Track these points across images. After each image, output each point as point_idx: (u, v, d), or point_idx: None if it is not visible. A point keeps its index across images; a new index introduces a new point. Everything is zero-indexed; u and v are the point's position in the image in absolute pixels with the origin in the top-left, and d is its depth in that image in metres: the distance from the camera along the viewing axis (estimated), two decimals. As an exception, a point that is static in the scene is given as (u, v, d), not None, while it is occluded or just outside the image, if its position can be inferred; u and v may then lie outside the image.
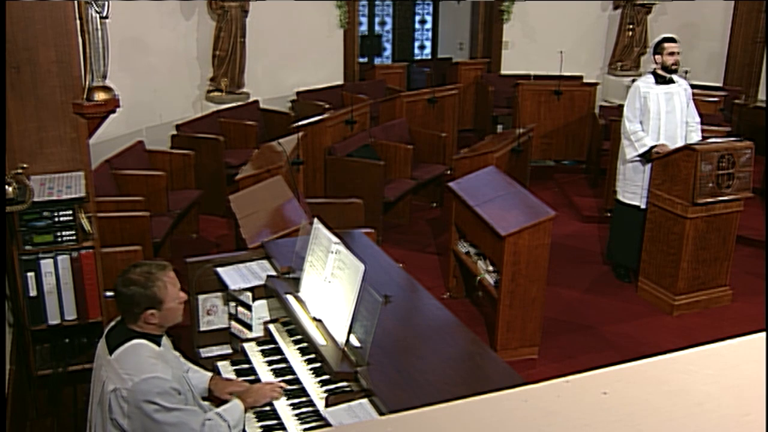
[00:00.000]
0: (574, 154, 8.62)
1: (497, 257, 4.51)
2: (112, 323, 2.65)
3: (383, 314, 2.53)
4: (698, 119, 5.56)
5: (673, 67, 5.43)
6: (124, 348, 2.50)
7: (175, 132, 7.24)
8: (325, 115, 6.95)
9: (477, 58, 10.85)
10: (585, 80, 9.40)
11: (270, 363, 2.99)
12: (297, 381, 2.77)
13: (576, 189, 7.98)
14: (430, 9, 12.92)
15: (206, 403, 2.85)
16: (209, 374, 2.98)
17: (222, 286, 3.26)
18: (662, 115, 5.40)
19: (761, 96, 9.63)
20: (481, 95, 9.77)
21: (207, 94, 8.31)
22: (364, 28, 12.09)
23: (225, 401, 2.81)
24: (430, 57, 12.96)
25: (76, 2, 3.28)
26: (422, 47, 13.10)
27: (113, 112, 3.51)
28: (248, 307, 3.17)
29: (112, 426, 2.48)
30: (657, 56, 5.48)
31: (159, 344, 2.59)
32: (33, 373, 3.42)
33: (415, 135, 7.62)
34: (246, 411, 2.72)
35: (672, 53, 5.40)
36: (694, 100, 5.59)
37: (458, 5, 12.08)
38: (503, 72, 10.35)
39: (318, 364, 2.73)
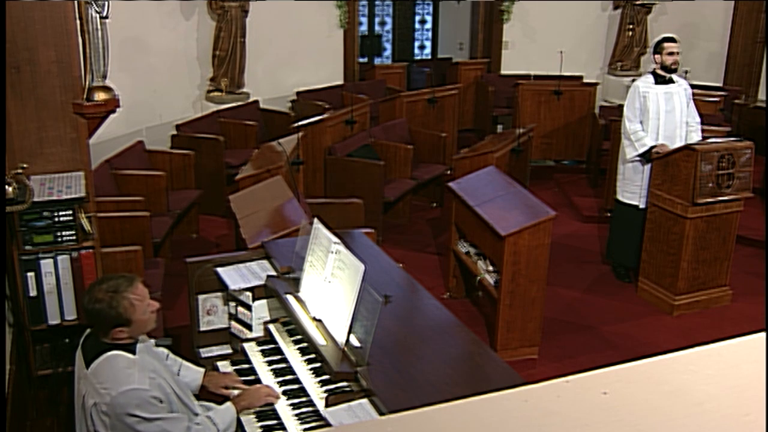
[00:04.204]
0: (574, 154, 8.62)
1: (497, 257, 4.51)
2: (87, 332, 2.62)
3: (383, 314, 2.53)
4: (698, 119, 5.56)
5: (673, 67, 5.43)
6: (98, 361, 2.47)
7: (175, 132, 7.24)
8: (325, 115, 6.94)
9: (477, 58, 10.84)
10: (585, 80, 9.40)
11: (270, 363, 2.99)
12: (297, 381, 2.77)
13: (576, 189, 7.98)
14: (430, 9, 12.92)
15: (203, 402, 2.84)
16: (202, 370, 2.97)
17: (222, 286, 3.26)
18: (661, 115, 5.40)
19: (761, 96, 9.63)
20: (481, 95, 9.77)
21: (207, 94, 8.31)
22: (364, 28, 12.09)
23: (221, 396, 2.80)
24: (430, 57, 12.96)
25: (76, 2, 3.28)
26: (422, 47, 13.10)
27: (113, 112, 3.50)
28: (248, 307, 3.17)
29: None
30: (656, 56, 5.48)
31: (134, 352, 2.54)
32: (33, 373, 3.42)
33: (415, 135, 7.62)
34: (239, 414, 2.71)
35: (671, 53, 5.40)
36: (694, 100, 5.59)
37: (458, 5, 12.07)
38: (503, 72, 10.35)
39: (318, 364, 2.73)
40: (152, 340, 2.82)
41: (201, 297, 3.30)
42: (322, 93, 8.98)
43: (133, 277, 2.59)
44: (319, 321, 2.76)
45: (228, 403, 2.73)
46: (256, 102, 8.45)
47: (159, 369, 2.60)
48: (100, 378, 2.44)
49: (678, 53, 5.45)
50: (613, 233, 5.88)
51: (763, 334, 1.11)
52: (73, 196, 3.24)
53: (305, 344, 2.89)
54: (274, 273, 3.23)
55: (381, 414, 2.32)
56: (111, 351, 2.49)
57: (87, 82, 3.37)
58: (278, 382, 2.85)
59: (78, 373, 2.57)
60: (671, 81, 5.47)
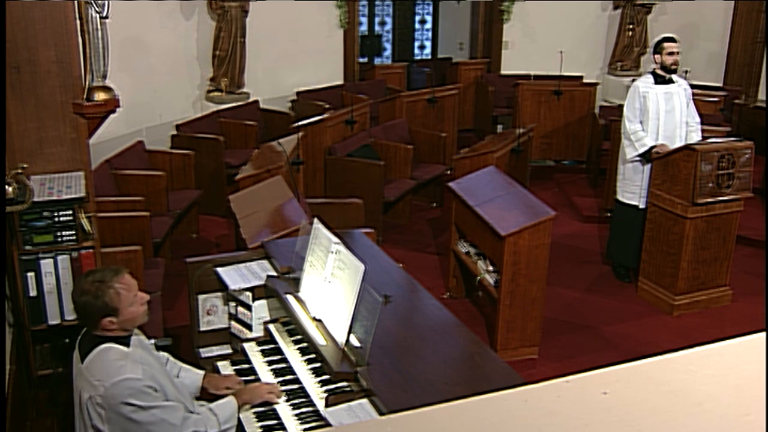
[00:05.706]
0: (574, 154, 8.62)
1: (497, 257, 4.51)
2: (83, 331, 2.63)
3: (383, 314, 2.53)
4: (698, 119, 5.56)
5: (673, 67, 5.43)
6: (92, 355, 2.49)
7: (175, 132, 7.24)
8: (325, 115, 6.94)
9: (477, 58, 10.85)
10: (585, 80, 9.40)
11: (270, 363, 2.99)
12: (297, 381, 2.77)
13: (576, 189, 7.98)
14: (430, 9, 12.92)
15: (202, 402, 2.84)
16: (202, 372, 2.97)
17: (222, 286, 3.26)
18: (661, 115, 5.40)
19: (761, 96, 9.63)
20: (481, 95, 9.77)
21: (207, 94, 8.31)
22: (364, 28, 12.09)
23: (221, 397, 2.80)
24: (430, 57, 12.96)
25: (76, 2, 3.28)
26: (422, 47, 13.10)
27: (113, 112, 3.50)
28: (248, 307, 3.17)
29: None
30: (656, 56, 5.48)
31: (128, 345, 2.55)
32: (33, 373, 3.42)
33: (415, 135, 7.62)
34: (240, 409, 2.71)
35: (671, 53, 5.40)
36: (694, 100, 5.59)
37: (458, 5, 12.08)
38: (503, 72, 10.35)
39: (318, 364, 2.73)
40: (152, 341, 2.81)
41: (201, 297, 3.30)
42: (322, 93, 8.98)
43: (119, 268, 2.60)
44: (319, 321, 2.76)
45: (229, 397, 2.74)
46: (256, 102, 8.45)
47: (153, 364, 2.60)
48: (93, 371, 2.46)
49: (678, 53, 5.45)
50: (613, 233, 5.88)
51: (763, 334, 1.11)
52: (73, 196, 3.24)
53: (305, 344, 2.89)
54: (274, 273, 3.23)
55: (381, 414, 2.32)
56: (104, 344, 2.51)
57: (87, 82, 3.37)
58: (278, 382, 2.85)
59: (75, 370, 2.58)
60: (671, 81, 5.47)
